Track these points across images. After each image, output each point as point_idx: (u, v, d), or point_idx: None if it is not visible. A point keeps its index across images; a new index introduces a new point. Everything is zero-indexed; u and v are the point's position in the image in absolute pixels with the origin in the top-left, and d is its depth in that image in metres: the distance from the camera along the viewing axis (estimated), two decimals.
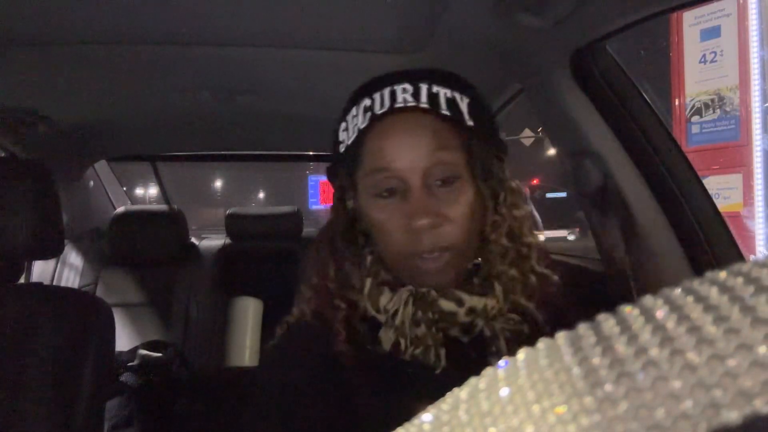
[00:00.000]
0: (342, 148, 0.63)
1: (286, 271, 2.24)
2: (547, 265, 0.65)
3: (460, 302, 0.60)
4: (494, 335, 0.60)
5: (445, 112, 0.59)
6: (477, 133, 0.61)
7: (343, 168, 0.64)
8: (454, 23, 0.96)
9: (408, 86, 0.60)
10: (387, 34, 1.06)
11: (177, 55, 1.19)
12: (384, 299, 0.61)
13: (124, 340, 1.91)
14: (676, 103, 3.31)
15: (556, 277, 0.64)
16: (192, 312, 2.06)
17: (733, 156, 3.08)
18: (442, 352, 0.58)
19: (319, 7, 0.97)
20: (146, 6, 0.95)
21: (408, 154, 0.59)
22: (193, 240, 2.36)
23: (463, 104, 0.61)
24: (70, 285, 2.07)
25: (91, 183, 2.33)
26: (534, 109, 1.13)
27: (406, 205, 0.59)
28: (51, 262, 2.07)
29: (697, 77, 3.18)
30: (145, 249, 2.12)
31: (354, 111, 0.62)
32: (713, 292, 0.14)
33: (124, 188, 2.74)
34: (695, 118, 3.22)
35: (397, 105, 0.59)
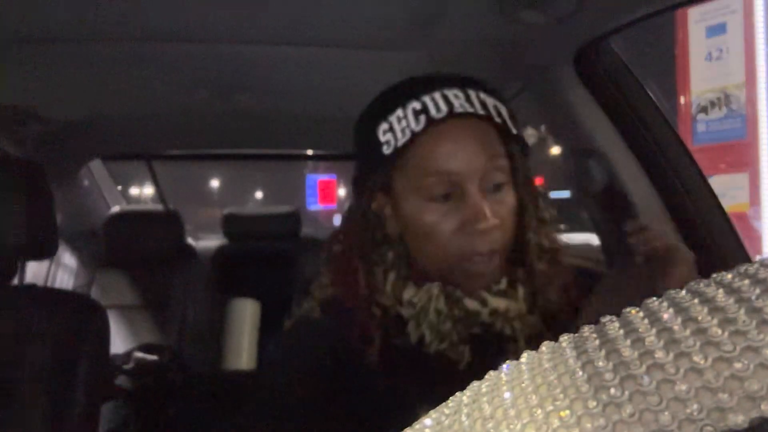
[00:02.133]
0: (386, 150, 0.63)
1: (285, 272, 2.23)
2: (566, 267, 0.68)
3: (484, 303, 0.62)
4: (513, 335, 0.62)
5: (497, 119, 0.62)
6: (517, 141, 0.65)
7: (382, 170, 0.64)
8: (456, 20, 0.95)
9: (459, 92, 0.62)
10: (387, 31, 1.04)
11: (174, 53, 1.18)
12: (408, 293, 0.63)
13: (119, 342, 1.89)
14: (682, 101, 3.30)
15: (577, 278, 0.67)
16: (188, 314, 2.05)
17: (740, 155, 3.07)
18: (466, 348, 0.61)
19: (319, 5, 0.95)
20: (142, 3, 0.94)
21: (466, 160, 0.60)
22: (190, 240, 2.34)
23: (504, 112, 0.64)
24: (64, 286, 2.05)
25: (86, 182, 2.31)
26: (537, 107, 1.12)
27: (463, 209, 0.60)
28: (44, 263, 2.05)
29: (703, 75, 3.18)
30: (140, 250, 2.10)
31: (400, 113, 0.62)
32: (719, 294, 0.14)
33: (119, 188, 2.72)
34: (701, 116, 3.21)
35: (456, 111, 0.60)
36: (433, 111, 0.61)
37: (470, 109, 0.61)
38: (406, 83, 0.65)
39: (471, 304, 0.62)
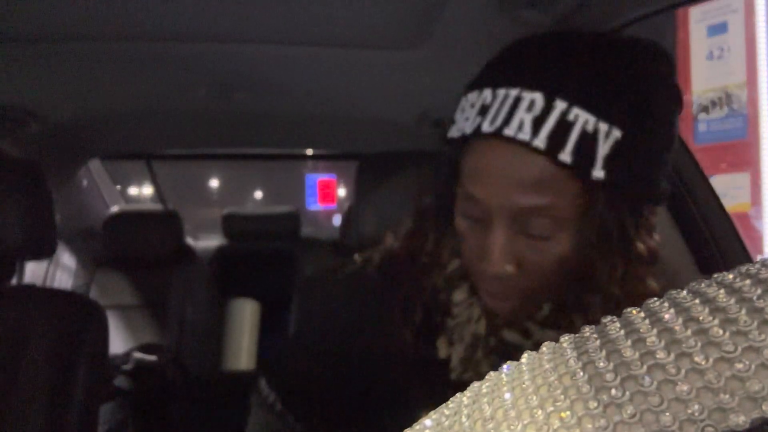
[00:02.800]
0: (452, 132, 0.52)
1: (284, 272, 2.23)
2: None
3: (527, 334, 0.53)
4: None
5: (565, 157, 0.44)
6: (607, 187, 0.46)
7: (447, 151, 0.54)
8: (456, 19, 0.94)
9: (538, 99, 0.45)
10: (386, 29, 1.04)
11: (173, 52, 1.18)
12: (459, 295, 0.54)
13: (118, 342, 1.89)
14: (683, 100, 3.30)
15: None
16: (188, 314, 2.04)
17: (741, 154, 3.06)
18: None
19: (318, 4, 0.95)
20: (141, 2, 0.94)
21: (498, 191, 0.47)
22: (189, 240, 2.34)
23: (606, 144, 0.44)
24: (62, 286, 2.05)
25: (85, 182, 2.31)
26: None
27: (485, 238, 0.49)
28: (43, 263, 2.05)
29: (704, 74, 3.17)
30: (139, 249, 2.10)
31: (472, 97, 0.50)
32: (721, 294, 0.14)
33: (118, 187, 2.71)
34: (702, 116, 3.21)
35: (506, 132, 0.46)
36: (489, 118, 0.47)
37: (524, 136, 0.45)
38: (500, 58, 0.51)
39: (510, 335, 0.53)
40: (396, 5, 0.95)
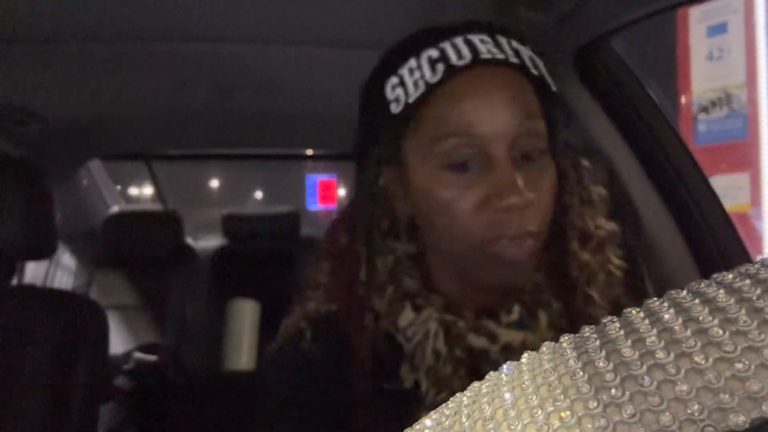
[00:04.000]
0: (395, 108, 0.49)
1: (284, 273, 2.23)
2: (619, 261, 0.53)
3: (493, 338, 0.50)
4: None
5: (534, 71, 0.48)
6: (560, 102, 0.51)
7: (390, 134, 0.51)
8: (455, 19, 0.95)
9: (486, 37, 0.48)
10: (386, 30, 1.04)
11: (173, 52, 1.18)
12: (404, 319, 0.51)
13: (118, 343, 1.89)
14: (683, 100, 3.30)
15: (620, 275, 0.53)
16: (188, 314, 2.05)
17: (741, 155, 3.07)
18: None
19: (318, 4, 0.95)
20: (140, 2, 0.94)
21: (494, 118, 0.46)
22: (189, 241, 2.34)
23: (542, 66, 0.50)
24: (63, 286, 2.05)
25: (85, 182, 2.31)
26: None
27: (488, 180, 0.47)
28: (43, 263, 2.05)
29: (704, 74, 3.17)
30: (139, 250, 2.10)
31: (413, 63, 0.49)
32: (720, 294, 0.14)
33: (119, 188, 2.72)
34: (702, 116, 3.21)
35: (483, 56, 0.47)
36: (453, 58, 0.47)
37: (500, 56, 0.47)
38: (422, 31, 0.51)
39: (477, 341, 0.50)
40: (395, 6, 0.95)
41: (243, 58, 1.23)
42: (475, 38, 0.49)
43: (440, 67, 0.48)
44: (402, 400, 0.50)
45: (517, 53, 0.49)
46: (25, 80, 1.31)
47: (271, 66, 1.29)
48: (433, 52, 0.49)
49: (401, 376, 0.51)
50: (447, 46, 0.49)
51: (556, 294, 0.53)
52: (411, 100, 0.49)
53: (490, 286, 0.51)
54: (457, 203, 0.48)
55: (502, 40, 0.49)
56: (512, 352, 0.50)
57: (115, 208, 2.22)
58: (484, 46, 0.48)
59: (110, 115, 1.70)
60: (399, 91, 0.49)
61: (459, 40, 0.49)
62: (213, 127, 1.90)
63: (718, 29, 3.05)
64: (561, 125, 0.52)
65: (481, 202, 0.47)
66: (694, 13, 3.10)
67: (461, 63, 0.47)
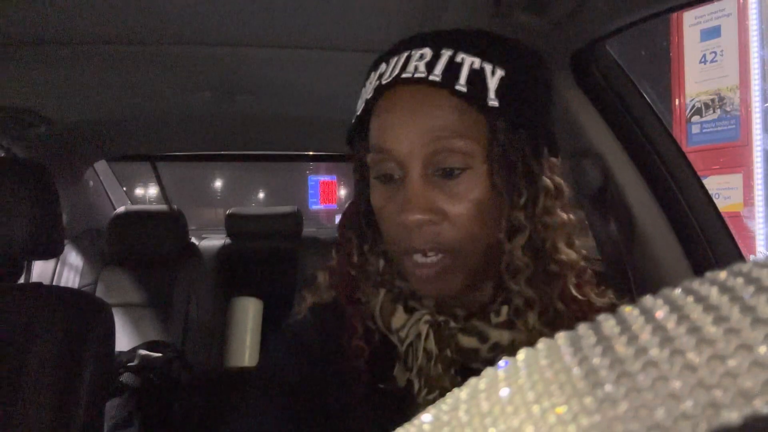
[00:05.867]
0: (353, 120, 0.55)
1: (287, 271, 2.25)
2: (590, 289, 0.53)
3: (483, 337, 0.51)
4: None
5: (461, 87, 0.48)
6: (504, 116, 0.49)
7: (355, 142, 0.56)
8: (453, 23, 0.96)
9: (427, 51, 0.49)
10: (386, 34, 1.05)
11: (177, 55, 1.19)
12: (397, 321, 0.53)
13: (123, 340, 1.91)
14: (676, 103, 3.31)
15: (601, 303, 0.53)
16: (192, 312, 2.06)
17: (734, 156, 3.08)
18: None
19: (319, 8, 0.96)
20: (146, 6, 0.95)
21: (408, 137, 0.49)
22: (193, 240, 2.36)
23: (493, 79, 0.49)
24: (69, 285, 2.07)
25: (91, 183, 2.33)
26: None
27: (401, 195, 0.50)
28: (51, 262, 2.07)
29: (697, 77, 3.18)
30: (145, 249, 2.12)
31: (371, 77, 0.53)
32: (713, 292, 0.14)
33: (124, 188, 2.74)
34: (695, 118, 3.22)
35: (404, 75, 0.49)
36: (386, 75, 0.50)
37: (421, 73, 0.48)
38: (394, 45, 0.54)
39: (467, 341, 0.51)
40: (396, 10, 0.96)
41: (246, 62, 1.25)
42: (416, 53, 0.50)
43: (374, 84, 0.51)
44: (395, 399, 0.52)
45: (453, 68, 0.49)
46: (32, 83, 1.33)
47: (274, 69, 1.30)
48: (382, 68, 0.52)
49: (395, 376, 0.53)
50: (392, 61, 0.51)
51: (540, 293, 0.53)
52: (359, 112, 0.54)
53: (422, 296, 0.52)
54: (383, 212, 0.52)
55: (445, 53, 0.49)
56: (502, 351, 0.51)
57: (121, 208, 2.24)
58: (416, 62, 0.49)
59: (117, 117, 1.72)
60: (359, 102, 0.54)
61: (402, 57, 0.51)
62: (217, 129, 1.92)
63: (711, 33, 3.06)
64: (505, 140, 0.50)
65: (396, 215, 0.50)
66: (688, 16, 3.11)
67: (386, 81, 0.50)
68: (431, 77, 0.48)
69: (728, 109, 3.08)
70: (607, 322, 0.15)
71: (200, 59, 1.22)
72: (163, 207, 2.27)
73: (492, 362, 0.48)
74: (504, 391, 0.15)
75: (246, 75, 1.33)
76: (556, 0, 0.82)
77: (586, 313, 0.52)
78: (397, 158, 0.50)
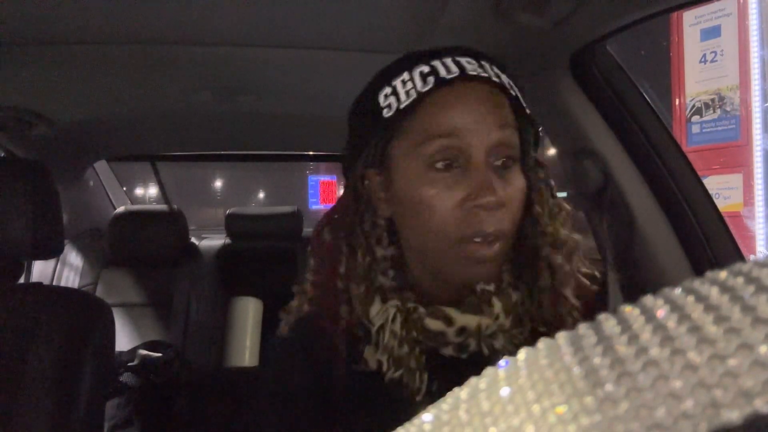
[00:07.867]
0: (386, 113, 0.55)
1: (287, 271, 2.24)
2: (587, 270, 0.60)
3: (449, 321, 0.55)
4: (493, 354, 0.54)
5: (511, 92, 0.57)
6: (531, 122, 0.59)
7: (380, 136, 0.57)
8: (454, 23, 0.96)
9: (472, 60, 0.56)
10: (386, 34, 1.06)
11: (178, 55, 1.19)
12: (374, 309, 0.57)
13: (123, 340, 1.91)
14: (677, 102, 3.32)
15: (594, 286, 0.59)
16: (192, 312, 2.06)
17: (734, 156, 3.09)
18: (425, 376, 0.53)
19: (320, 8, 0.97)
20: (147, 5, 0.95)
21: (476, 126, 0.53)
22: (193, 240, 2.36)
23: (517, 91, 0.58)
24: (70, 285, 2.07)
25: (91, 183, 2.33)
26: (534, 109, 1.13)
27: (468, 181, 0.53)
28: (51, 262, 2.07)
29: (698, 77, 3.19)
30: (145, 249, 2.12)
31: (406, 76, 0.56)
32: (714, 292, 0.14)
33: (124, 188, 2.74)
34: (695, 118, 3.23)
35: (469, 72, 0.54)
36: (443, 72, 0.55)
37: (484, 74, 0.55)
38: (415, 52, 0.58)
39: (433, 323, 0.55)
40: (396, 10, 0.96)
41: (247, 62, 1.25)
42: (463, 59, 0.56)
43: (431, 79, 0.55)
44: (366, 378, 0.56)
45: (498, 76, 0.57)
46: (33, 83, 1.33)
47: (274, 69, 1.30)
48: (425, 68, 0.56)
49: (366, 358, 0.57)
50: (437, 63, 0.56)
51: (523, 291, 0.58)
52: (402, 106, 0.55)
53: (461, 282, 0.56)
54: (440, 201, 0.54)
55: (486, 64, 0.57)
56: (469, 335, 0.55)
57: (121, 208, 2.24)
58: (470, 65, 0.56)
59: (116, 117, 1.72)
60: (391, 98, 0.56)
61: (448, 60, 0.56)
62: (217, 129, 1.92)
63: (711, 33, 3.06)
64: (532, 143, 0.59)
65: (460, 201, 0.53)
66: (688, 16, 3.11)
67: (449, 76, 0.55)
68: (492, 78, 0.56)
69: (728, 108, 3.09)
70: (608, 322, 0.15)
71: (200, 59, 1.22)
72: (163, 207, 2.27)
73: (461, 346, 0.49)
74: (504, 391, 0.15)
75: (246, 75, 1.33)
76: (556, 0, 0.82)
77: (584, 289, 0.58)
78: (463, 145, 0.54)
